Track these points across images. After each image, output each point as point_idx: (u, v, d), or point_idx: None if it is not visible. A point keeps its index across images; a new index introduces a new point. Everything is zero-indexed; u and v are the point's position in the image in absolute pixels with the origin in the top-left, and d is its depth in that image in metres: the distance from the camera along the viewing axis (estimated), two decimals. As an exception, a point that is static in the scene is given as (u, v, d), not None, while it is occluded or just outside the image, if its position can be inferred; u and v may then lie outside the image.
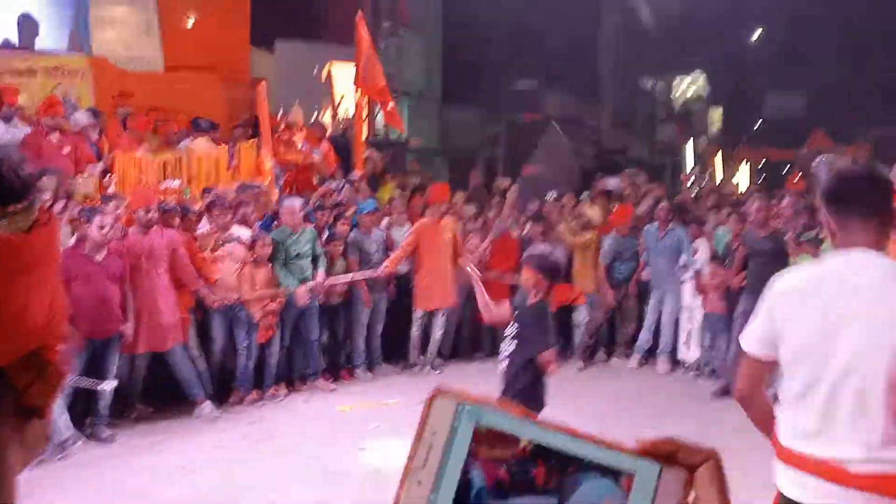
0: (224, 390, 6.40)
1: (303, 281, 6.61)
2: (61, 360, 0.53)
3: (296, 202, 6.85)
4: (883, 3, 18.80)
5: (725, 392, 6.76)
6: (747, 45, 27.18)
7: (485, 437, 0.52)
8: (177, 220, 6.23)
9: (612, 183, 9.57)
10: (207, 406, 6.01)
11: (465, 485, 0.52)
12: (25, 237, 0.49)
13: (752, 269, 6.52)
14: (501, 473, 0.52)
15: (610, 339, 8.20)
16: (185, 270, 6.04)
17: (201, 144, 8.33)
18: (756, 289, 6.25)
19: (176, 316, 5.93)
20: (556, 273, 3.87)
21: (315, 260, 6.74)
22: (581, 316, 7.87)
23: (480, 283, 4.20)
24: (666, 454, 0.53)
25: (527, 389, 3.73)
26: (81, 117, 7.67)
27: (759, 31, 26.99)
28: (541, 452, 0.53)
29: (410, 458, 0.53)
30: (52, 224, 0.53)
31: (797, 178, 11.52)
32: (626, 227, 7.89)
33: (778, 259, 6.23)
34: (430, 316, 7.51)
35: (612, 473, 0.53)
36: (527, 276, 3.86)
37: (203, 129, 8.67)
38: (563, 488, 0.53)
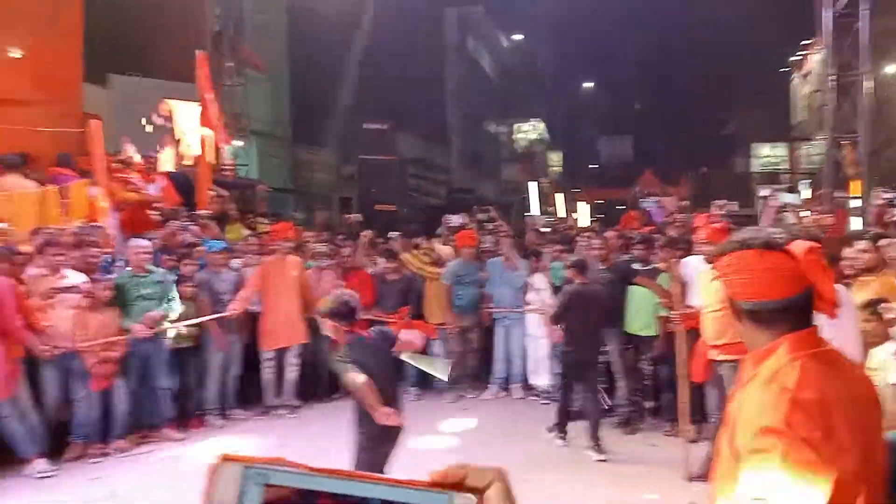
0: (60, 445, 5.85)
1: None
2: None
3: (143, 242, 6.51)
4: (698, 61, 20.92)
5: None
6: (580, 95, 29.21)
7: (276, 496, 0.53)
8: (3, 265, 5.69)
9: (455, 219, 9.90)
10: (41, 463, 5.46)
11: None
12: None
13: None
14: None
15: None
16: (12, 319, 5.50)
17: (15, 182, 7.71)
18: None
19: (3, 367, 5.38)
20: (347, 314, 3.94)
21: (168, 302, 6.40)
22: (435, 349, 7.97)
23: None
24: (455, 481, 0.55)
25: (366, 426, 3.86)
26: None
27: (590, 84, 29.11)
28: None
29: None
30: None
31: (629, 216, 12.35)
32: (469, 253, 8.07)
33: (618, 289, 6.68)
34: (281, 357, 7.32)
35: None
36: (329, 328, 3.97)
37: (14, 165, 8.01)
38: None
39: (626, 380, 6.75)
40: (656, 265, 6.54)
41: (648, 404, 6.74)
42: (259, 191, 12.38)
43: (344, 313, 3.91)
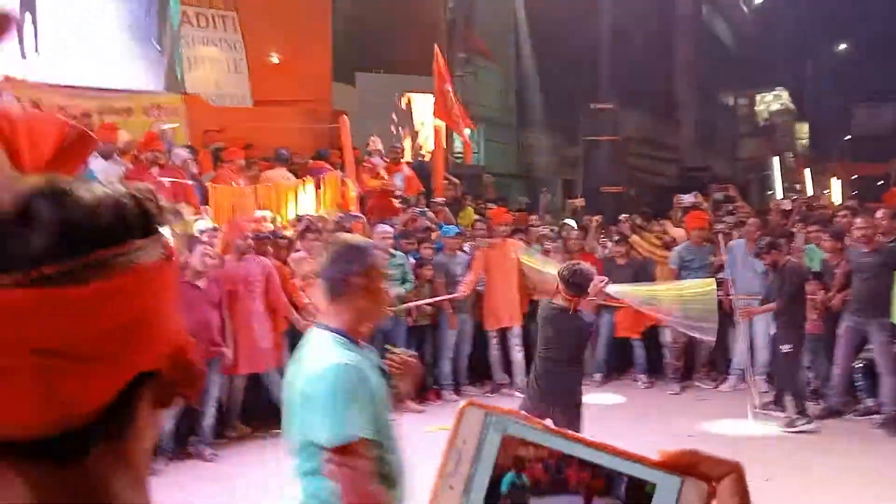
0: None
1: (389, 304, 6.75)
2: (198, 359, 0.62)
3: (387, 227, 7.04)
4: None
5: (830, 414, 6.50)
6: (832, 58, 26.28)
7: (512, 445, 0.54)
8: (269, 248, 6.47)
9: (686, 198, 9.41)
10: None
11: (493, 488, 0.54)
12: (167, 263, 0.58)
13: (857, 286, 6.25)
14: (538, 471, 0.54)
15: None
16: (279, 296, 6.25)
17: (279, 174, 8.65)
18: (861, 306, 6.05)
19: (271, 340, 6.14)
20: (577, 284, 3.96)
21: (404, 284, 6.88)
22: (666, 337, 7.70)
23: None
24: (687, 466, 0.53)
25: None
26: (182, 152, 8.07)
27: (843, 45, 26.09)
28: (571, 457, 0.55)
29: (443, 464, 0.55)
30: (177, 252, 0.63)
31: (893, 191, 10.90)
32: (700, 235, 7.65)
33: (884, 274, 5.99)
34: (505, 336, 7.53)
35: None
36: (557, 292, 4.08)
37: (283, 160, 9.00)
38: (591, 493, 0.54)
39: (892, 376, 6.04)
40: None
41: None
42: (485, 178, 12.76)
43: (569, 280, 3.95)
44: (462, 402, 0.56)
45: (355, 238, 2.58)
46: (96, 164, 7.04)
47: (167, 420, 5.46)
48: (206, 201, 7.58)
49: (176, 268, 0.61)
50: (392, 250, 6.95)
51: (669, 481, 0.53)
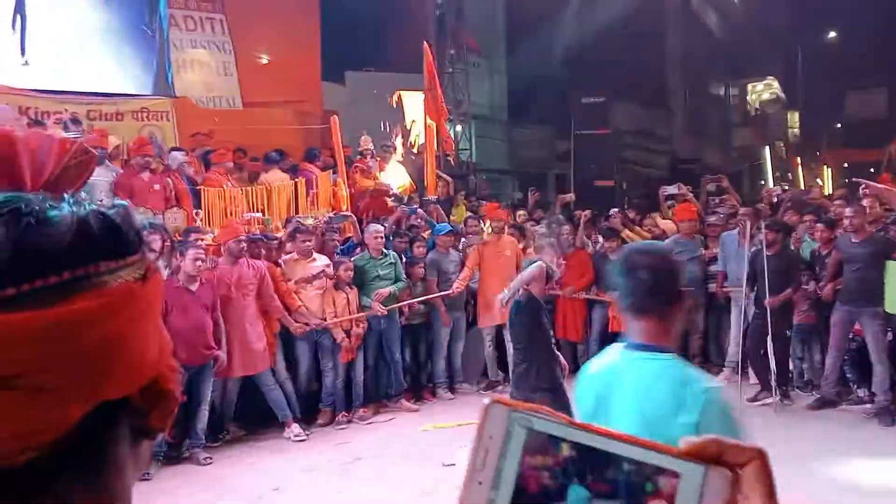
0: (310, 413, 6.57)
1: (382, 304, 6.78)
2: (175, 388, 0.59)
3: (378, 227, 7.04)
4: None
5: (823, 404, 6.53)
6: (822, 46, 26.28)
7: (533, 443, 0.55)
8: (262, 251, 6.48)
9: (670, 189, 9.40)
10: (296, 428, 6.18)
11: (519, 485, 0.55)
12: (142, 285, 0.56)
13: (848, 275, 6.28)
14: (545, 479, 0.55)
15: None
16: (271, 299, 6.26)
17: (276, 176, 8.65)
18: (853, 296, 6.08)
19: (264, 341, 6.15)
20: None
21: (396, 283, 6.89)
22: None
23: None
24: (711, 455, 0.53)
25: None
26: (178, 155, 8.06)
27: (834, 33, 26.09)
28: (587, 459, 0.55)
29: (471, 461, 0.56)
30: (158, 273, 0.62)
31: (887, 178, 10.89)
32: (689, 227, 7.67)
33: (875, 263, 6.01)
34: (500, 333, 7.53)
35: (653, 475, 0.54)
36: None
37: (274, 161, 8.99)
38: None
39: (884, 365, 6.07)
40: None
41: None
42: (472, 180, 12.77)
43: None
44: (486, 400, 0.57)
45: (656, 245, 2.45)
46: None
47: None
48: (199, 205, 7.58)
49: (157, 289, 0.58)
50: (384, 249, 6.96)
51: (694, 470, 0.53)
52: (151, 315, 0.58)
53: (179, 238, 6.39)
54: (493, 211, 8.06)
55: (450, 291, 7.22)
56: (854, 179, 5.47)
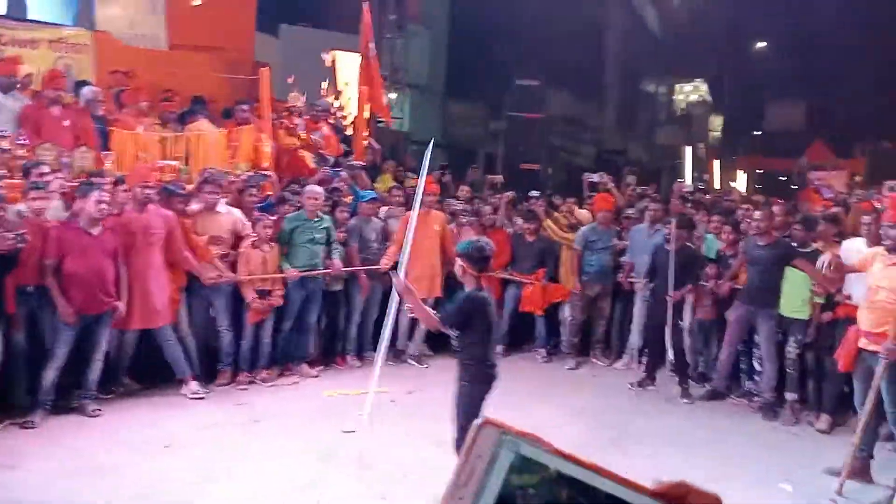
0: (212, 371, 6.43)
1: (311, 266, 6.68)
2: None
3: (318, 189, 6.91)
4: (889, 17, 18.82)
5: (714, 396, 6.85)
6: (752, 55, 27.21)
7: (518, 467, 0.57)
8: (174, 200, 6.24)
9: (594, 177, 9.59)
10: (194, 385, 6.04)
11: None
12: None
13: (750, 276, 6.56)
14: (525, 500, 0.56)
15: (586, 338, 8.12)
16: (180, 251, 6.05)
17: (203, 126, 8.34)
18: (752, 296, 6.38)
19: (167, 295, 5.95)
20: (479, 259, 4.01)
21: (329, 245, 6.81)
22: (565, 313, 7.93)
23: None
24: (677, 497, 0.57)
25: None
26: (88, 92, 7.64)
27: (764, 43, 27.02)
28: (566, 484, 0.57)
29: (455, 477, 0.57)
30: None
31: (810, 191, 11.29)
32: (605, 217, 7.85)
33: (776, 267, 6.29)
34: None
35: None
36: (458, 268, 4.09)
37: (199, 111, 8.66)
38: None
39: (771, 363, 6.41)
40: (816, 248, 6.12)
41: (790, 396, 6.35)
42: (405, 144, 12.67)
43: (476, 258, 4.01)
44: (478, 421, 0.58)
45: None
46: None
47: (50, 371, 5.25)
48: (107, 146, 7.23)
49: None
50: (319, 213, 6.81)
51: None
52: None
53: (87, 179, 6.09)
54: (428, 185, 7.96)
55: (378, 267, 7.14)
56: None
